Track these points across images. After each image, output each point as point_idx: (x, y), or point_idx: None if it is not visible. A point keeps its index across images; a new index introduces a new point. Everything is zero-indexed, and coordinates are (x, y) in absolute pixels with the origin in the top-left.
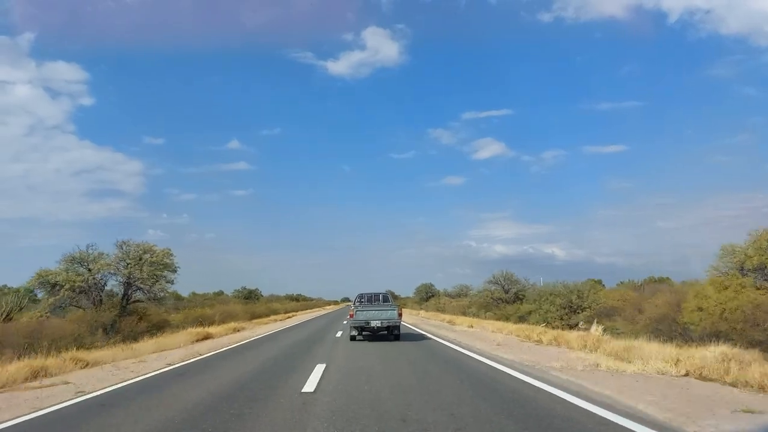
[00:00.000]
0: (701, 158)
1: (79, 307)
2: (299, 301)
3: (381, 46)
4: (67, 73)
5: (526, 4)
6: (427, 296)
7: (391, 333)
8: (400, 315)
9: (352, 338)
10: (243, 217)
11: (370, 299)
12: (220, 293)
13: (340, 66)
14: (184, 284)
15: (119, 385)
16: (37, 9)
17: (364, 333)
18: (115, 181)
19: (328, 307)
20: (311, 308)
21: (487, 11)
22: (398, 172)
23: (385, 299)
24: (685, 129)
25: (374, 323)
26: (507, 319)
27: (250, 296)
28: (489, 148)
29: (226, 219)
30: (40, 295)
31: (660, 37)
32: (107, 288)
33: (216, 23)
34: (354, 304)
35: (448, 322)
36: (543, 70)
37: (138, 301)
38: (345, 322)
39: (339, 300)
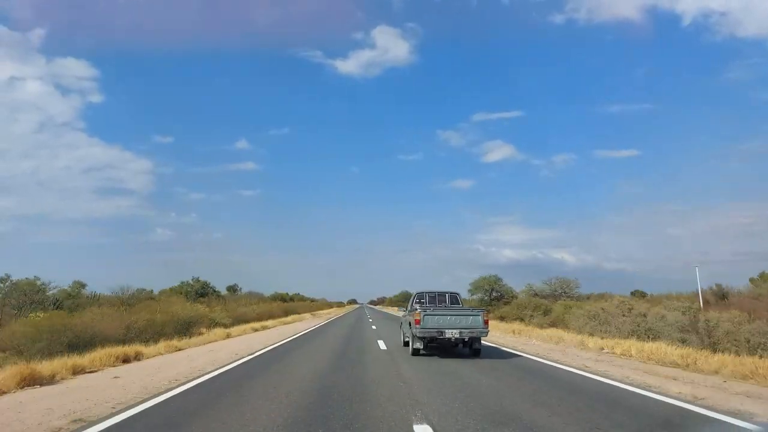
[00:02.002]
0: (714, 164)
1: None
2: (294, 301)
3: (391, 45)
4: (77, 69)
5: (539, 5)
6: (491, 296)
7: (471, 346)
8: (486, 323)
9: (416, 352)
10: (250, 217)
11: (434, 300)
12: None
13: (349, 65)
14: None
15: None
16: (47, 5)
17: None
18: (123, 179)
19: (325, 312)
20: (296, 314)
21: (498, 11)
22: (406, 173)
23: (454, 300)
24: (698, 134)
25: (451, 333)
26: None
27: (204, 293)
28: (498, 151)
29: (233, 219)
30: None
31: (673, 40)
32: None
33: (225, 22)
34: (410, 305)
35: None
36: (554, 72)
37: None
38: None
39: (345, 302)
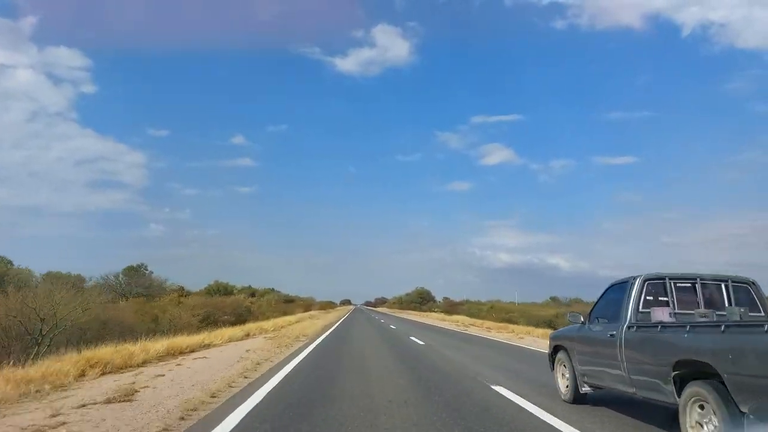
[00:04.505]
0: (711, 174)
1: None
2: (253, 296)
3: (391, 45)
4: (69, 59)
5: (541, 9)
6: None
7: None
8: None
9: None
10: (245, 214)
11: (692, 295)
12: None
13: (348, 63)
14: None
15: None
16: None
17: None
18: (117, 172)
19: (298, 319)
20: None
21: (501, 14)
22: (404, 174)
23: (748, 297)
24: (696, 143)
25: None
26: None
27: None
28: (497, 155)
29: (228, 216)
30: None
31: (674, 49)
32: None
33: (223, 17)
34: (628, 307)
35: None
36: (555, 77)
37: None
38: None
39: (338, 302)
